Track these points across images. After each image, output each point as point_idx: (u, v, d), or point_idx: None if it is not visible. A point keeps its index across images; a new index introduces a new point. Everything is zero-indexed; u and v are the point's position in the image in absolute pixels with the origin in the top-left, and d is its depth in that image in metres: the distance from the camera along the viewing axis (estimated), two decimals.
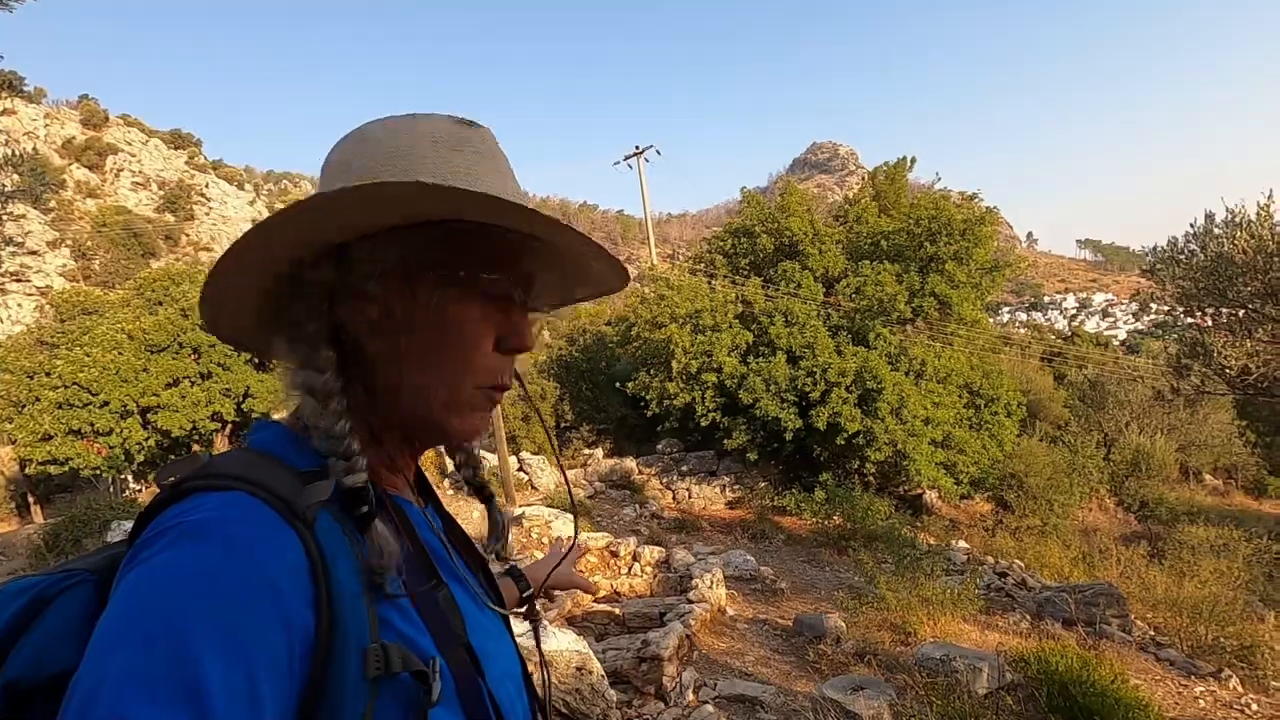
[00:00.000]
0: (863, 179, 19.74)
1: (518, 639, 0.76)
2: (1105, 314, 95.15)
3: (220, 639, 0.45)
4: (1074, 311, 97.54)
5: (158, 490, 0.55)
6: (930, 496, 14.27)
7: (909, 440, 12.13)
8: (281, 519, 0.51)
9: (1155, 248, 6.58)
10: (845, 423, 12.06)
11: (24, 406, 14.27)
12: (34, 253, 49.84)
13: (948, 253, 13.87)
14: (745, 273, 15.57)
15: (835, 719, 4.43)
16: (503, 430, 13.59)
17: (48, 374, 14.32)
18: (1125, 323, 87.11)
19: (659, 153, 26.86)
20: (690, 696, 5.75)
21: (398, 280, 0.60)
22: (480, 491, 0.80)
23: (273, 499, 0.52)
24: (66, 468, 14.39)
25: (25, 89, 62.87)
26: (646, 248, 25.95)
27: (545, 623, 4.32)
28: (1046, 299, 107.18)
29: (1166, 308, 7.38)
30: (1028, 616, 7.56)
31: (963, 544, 11.56)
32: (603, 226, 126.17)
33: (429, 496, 0.77)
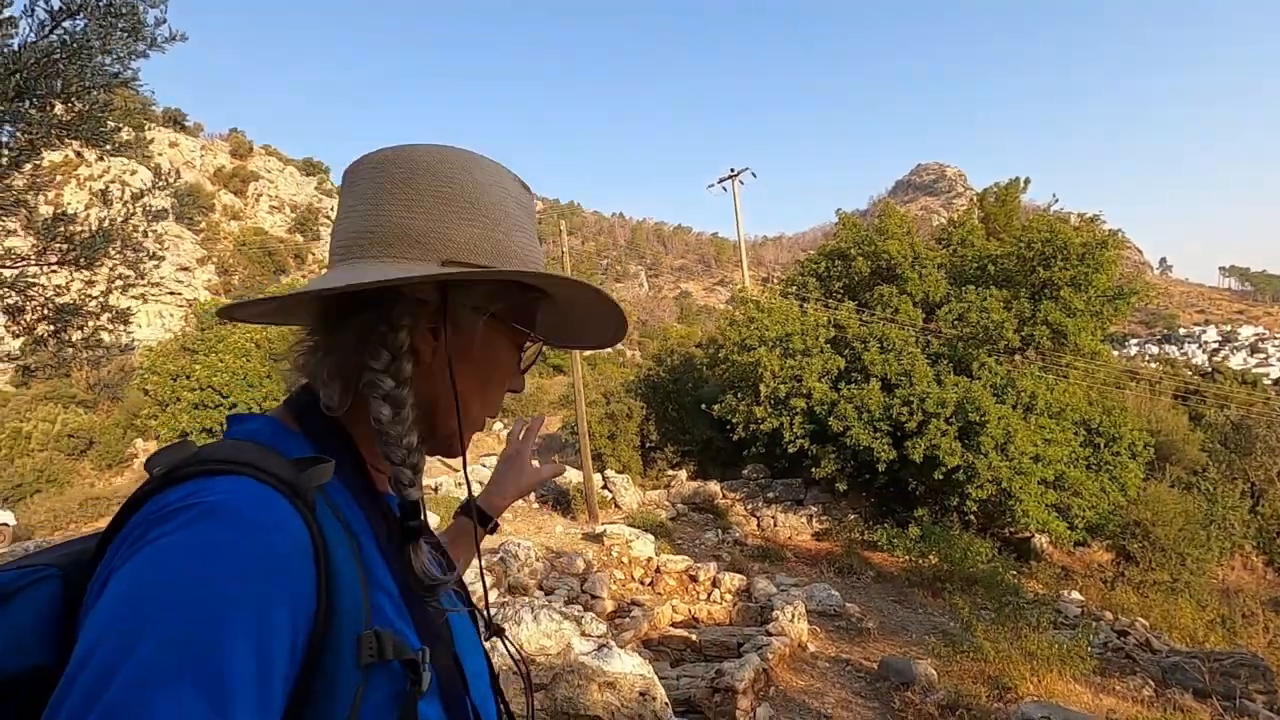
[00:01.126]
0: (970, 201, 18.80)
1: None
2: (1254, 349, 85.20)
3: (241, 625, 0.45)
4: (1215, 345, 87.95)
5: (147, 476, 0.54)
6: (1040, 541, 13.16)
7: (1015, 478, 11.27)
8: (288, 502, 0.52)
9: None
10: (944, 456, 11.37)
11: (167, 405, 15.88)
12: (185, 269, 55.82)
13: (1064, 278, 12.90)
14: (839, 296, 15.11)
15: None
16: (588, 448, 13.76)
17: (187, 377, 15.88)
18: (1279, 359, 77.79)
19: (754, 175, 26.75)
20: None
21: (474, 319, 0.69)
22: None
23: (277, 482, 0.52)
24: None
25: (186, 124, 70.93)
26: (740, 270, 25.76)
27: (611, 644, 4.27)
28: (1182, 331, 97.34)
29: None
30: (1151, 682, 6.79)
31: (1076, 595, 10.56)
32: (697, 249, 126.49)
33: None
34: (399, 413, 0.63)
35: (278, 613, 0.47)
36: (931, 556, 10.72)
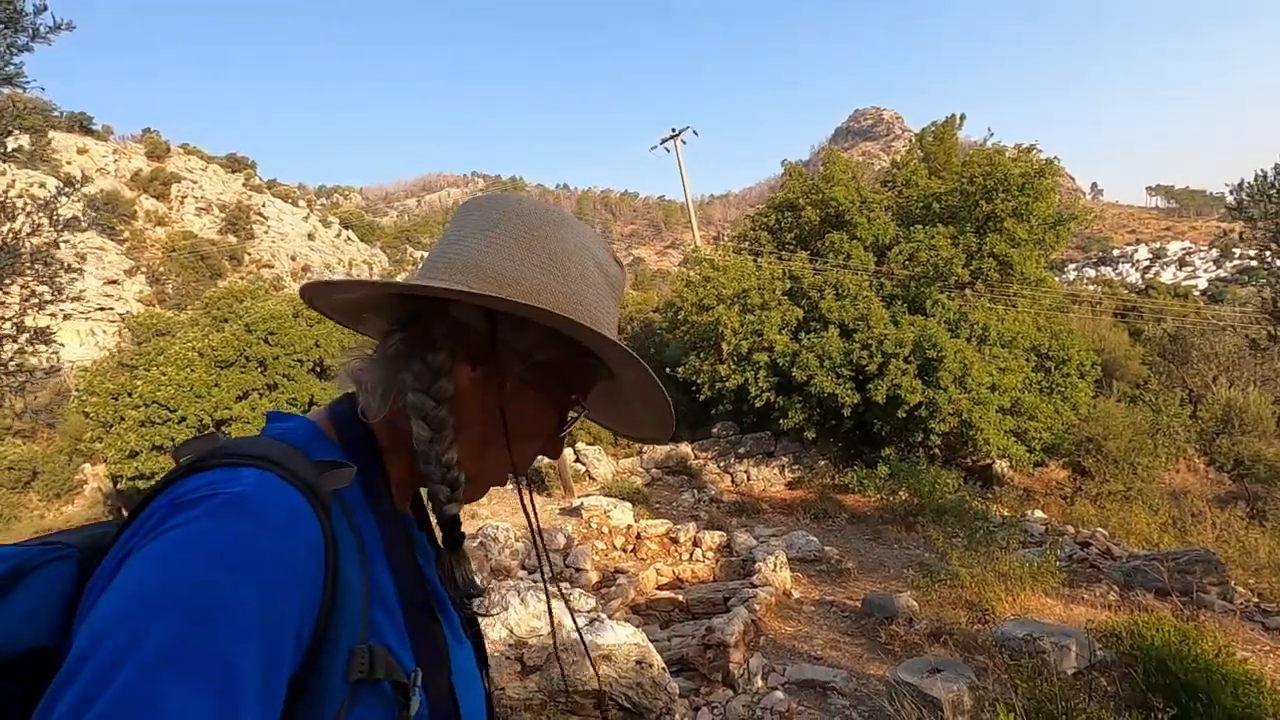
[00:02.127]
0: (910, 142, 18.98)
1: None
2: (1182, 263, 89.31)
3: (255, 622, 0.45)
4: (1147, 263, 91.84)
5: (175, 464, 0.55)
6: (1001, 466, 13.68)
7: (974, 409, 11.62)
8: (307, 502, 0.52)
9: (1241, 184, 6.03)
10: (905, 394, 11.64)
11: (111, 426, 15.16)
12: (113, 281, 53.03)
13: (1006, 210, 13.18)
14: (791, 247, 15.18)
15: (912, 704, 4.24)
16: None
17: (129, 394, 15.16)
18: (1205, 271, 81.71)
19: (696, 133, 26.47)
20: (759, 683, 5.63)
21: (524, 365, 0.66)
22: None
23: (298, 481, 0.52)
24: (153, 481, 15.23)
25: (94, 127, 66.69)
26: (690, 232, 25.66)
27: (603, 617, 4.26)
28: (1116, 252, 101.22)
29: (1254, 250, 6.78)
30: (1115, 588, 7.14)
31: (1039, 514, 11.03)
32: (645, 213, 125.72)
33: (420, 515, 0.77)
34: (439, 434, 0.62)
35: (288, 612, 0.47)
36: (901, 493, 11.03)
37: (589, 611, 3.75)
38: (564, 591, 3.91)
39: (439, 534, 0.73)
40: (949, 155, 16.70)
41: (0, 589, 0.51)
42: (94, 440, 15.60)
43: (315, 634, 0.49)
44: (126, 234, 56.79)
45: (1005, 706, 3.25)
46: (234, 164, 73.29)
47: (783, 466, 14.11)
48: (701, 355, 14.04)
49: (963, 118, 17.95)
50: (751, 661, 5.71)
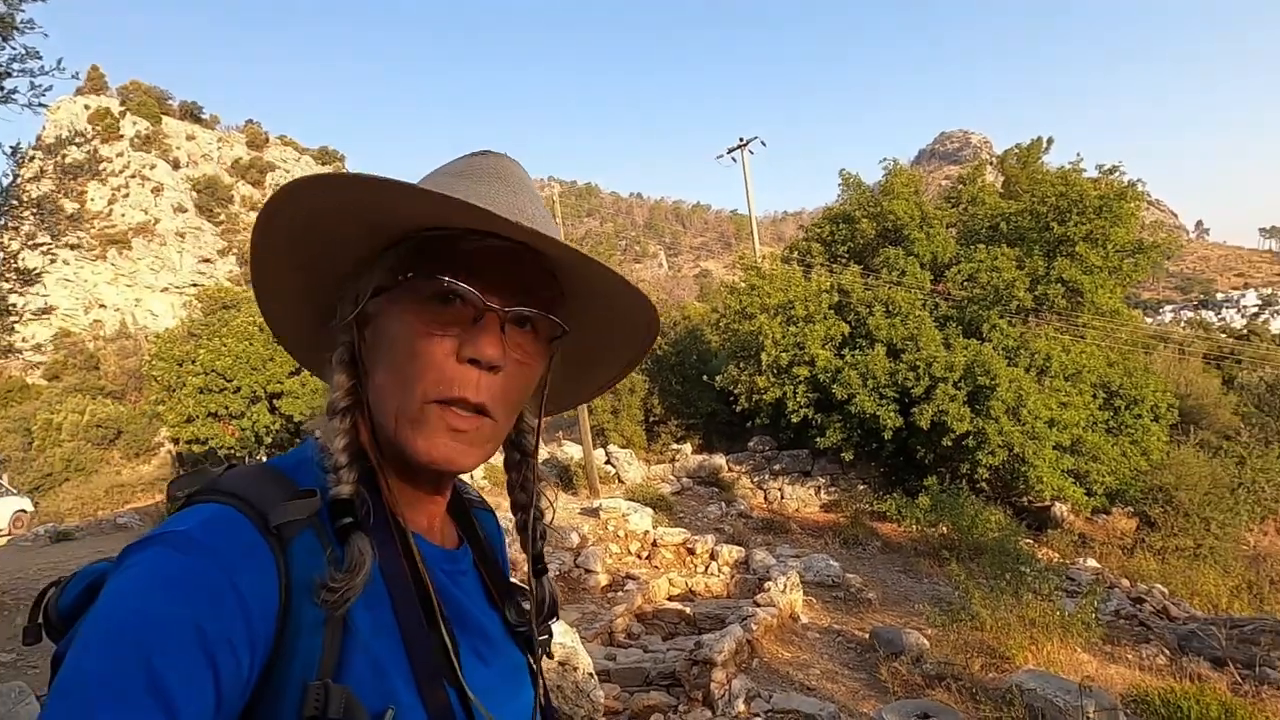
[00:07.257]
0: (983, 161, 18.09)
1: None
2: None
3: (185, 649, 0.45)
4: (1255, 309, 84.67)
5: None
6: (1060, 509, 12.67)
7: (1028, 443, 10.79)
8: (260, 535, 0.52)
9: None
10: (952, 422, 10.93)
11: (173, 390, 15.96)
12: (207, 260, 56.66)
13: (1079, 233, 12.26)
14: (844, 260, 14.60)
15: None
16: (588, 423, 13.54)
17: (192, 362, 15.94)
18: None
19: (764, 144, 26.01)
20: (740, 707, 5.26)
21: (383, 295, 0.60)
22: (535, 562, 0.74)
23: (254, 514, 0.52)
24: (206, 446, 15.94)
25: (203, 116, 71.57)
26: (753, 241, 25.18)
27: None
28: (1220, 296, 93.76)
29: None
30: (1165, 650, 6.40)
31: (1092, 563, 10.13)
32: (715, 226, 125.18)
33: (472, 542, 0.73)
34: (331, 421, 0.59)
35: (225, 646, 0.47)
36: (942, 526, 10.34)
37: None
38: None
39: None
40: (1032, 181, 15.74)
41: (84, 600, 0.55)
42: (158, 403, 16.47)
43: (265, 665, 0.50)
44: (223, 217, 60.55)
45: None
46: (325, 156, 77.09)
47: (819, 487, 13.53)
48: (741, 365, 13.63)
49: (1050, 141, 16.92)
50: (734, 683, 5.35)
